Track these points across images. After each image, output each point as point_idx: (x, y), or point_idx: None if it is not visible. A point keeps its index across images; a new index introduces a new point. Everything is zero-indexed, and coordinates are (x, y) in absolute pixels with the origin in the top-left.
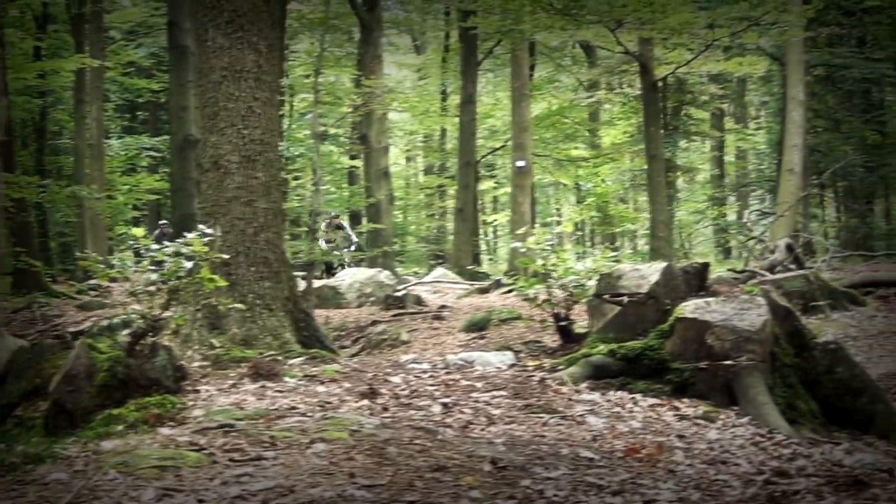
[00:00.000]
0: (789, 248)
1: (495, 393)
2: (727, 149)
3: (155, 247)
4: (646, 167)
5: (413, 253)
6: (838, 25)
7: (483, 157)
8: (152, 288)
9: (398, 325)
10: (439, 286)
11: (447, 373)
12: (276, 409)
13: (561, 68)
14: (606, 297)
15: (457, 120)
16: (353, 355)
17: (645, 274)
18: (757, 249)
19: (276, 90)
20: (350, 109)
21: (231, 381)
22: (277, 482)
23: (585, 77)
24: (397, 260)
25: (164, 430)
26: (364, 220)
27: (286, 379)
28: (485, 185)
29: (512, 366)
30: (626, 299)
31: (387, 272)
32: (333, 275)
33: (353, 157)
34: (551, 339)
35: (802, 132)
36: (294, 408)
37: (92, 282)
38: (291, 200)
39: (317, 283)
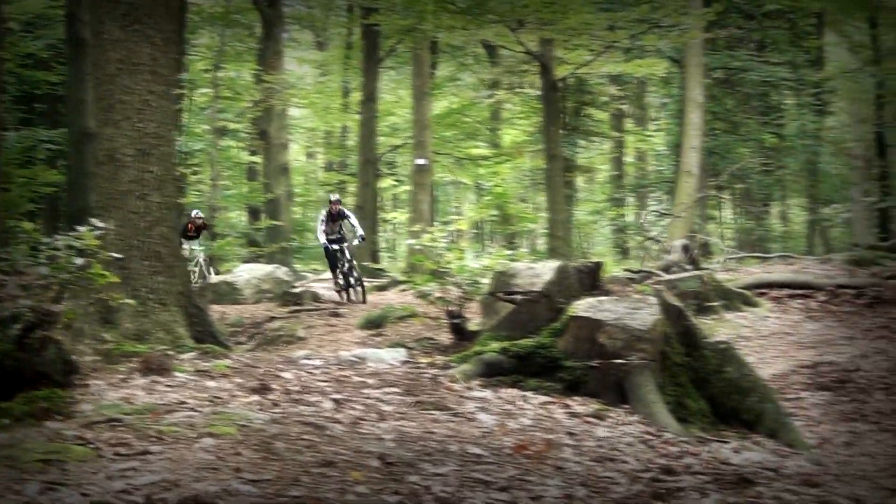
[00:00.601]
0: (685, 248)
1: (387, 389)
2: (626, 149)
3: (46, 240)
4: (545, 167)
5: (312, 250)
6: (738, 28)
7: (384, 154)
8: (44, 282)
9: (295, 322)
10: None
11: (339, 369)
12: (165, 404)
13: (463, 67)
14: (500, 295)
15: (358, 117)
16: (249, 351)
17: (539, 272)
18: (653, 250)
19: (173, 84)
20: (250, 105)
21: (121, 376)
22: (163, 476)
23: (487, 76)
24: (296, 256)
25: (52, 424)
26: (263, 217)
27: (177, 374)
28: (385, 182)
29: (405, 362)
30: (519, 297)
31: (285, 269)
32: (348, 280)
33: (252, 153)
34: (445, 337)
35: (701, 134)
36: (183, 402)
37: None
38: (190, 195)
39: (215, 279)
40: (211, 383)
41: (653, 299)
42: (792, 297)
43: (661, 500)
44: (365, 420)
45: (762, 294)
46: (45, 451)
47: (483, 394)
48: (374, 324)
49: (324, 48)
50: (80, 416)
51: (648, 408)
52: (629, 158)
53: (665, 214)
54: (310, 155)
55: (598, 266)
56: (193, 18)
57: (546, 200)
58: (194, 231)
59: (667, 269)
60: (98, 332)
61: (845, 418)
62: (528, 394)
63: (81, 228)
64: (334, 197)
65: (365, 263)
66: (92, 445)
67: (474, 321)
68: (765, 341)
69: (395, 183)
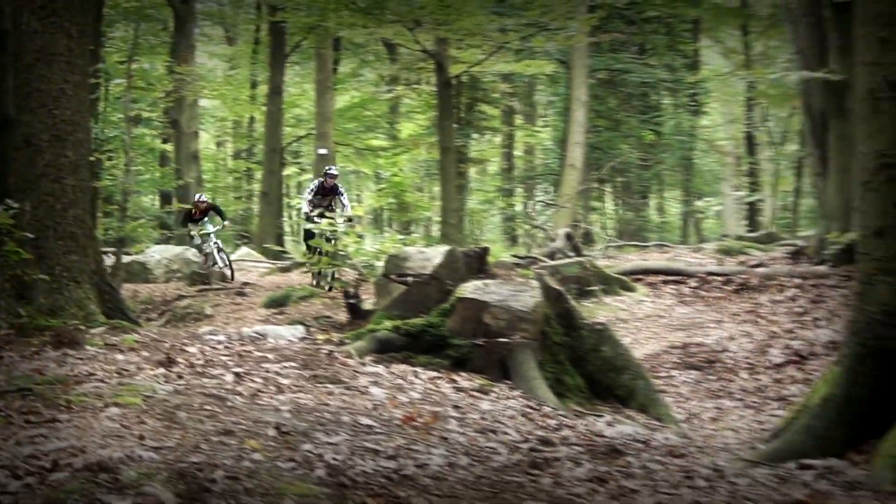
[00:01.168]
0: (568, 236)
1: (285, 364)
2: (516, 143)
3: None
4: (440, 158)
5: (220, 233)
6: (620, 33)
7: (288, 144)
8: None
9: (203, 300)
10: (244, 264)
11: (242, 344)
12: (74, 375)
13: (364, 63)
14: (393, 277)
15: (265, 108)
16: (159, 327)
17: (429, 256)
18: (539, 237)
19: (89, 74)
20: (163, 95)
21: (34, 349)
22: (70, 443)
23: (386, 72)
24: None
25: None
26: (174, 201)
27: (87, 347)
28: (289, 170)
29: (303, 339)
30: (411, 280)
31: (193, 250)
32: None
33: (165, 141)
34: (343, 316)
35: (584, 130)
36: (92, 374)
37: None
38: (105, 179)
39: (126, 259)
40: (119, 356)
41: (535, 283)
42: (666, 282)
43: (538, 469)
44: (263, 392)
45: (638, 280)
46: None
47: (376, 369)
48: (277, 303)
49: (233, 43)
50: None
51: (529, 383)
52: (518, 152)
53: (551, 204)
54: (219, 143)
55: (484, 251)
56: (110, 13)
57: (440, 190)
58: (200, 214)
59: (551, 256)
60: (13, 307)
61: (712, 395)
62: (418, 369)
63: None
64: (334, 170)
65: (267, 246)
66: (3, 413)
67: (369, 301)
68: (640, 323)
69: (299, 171)
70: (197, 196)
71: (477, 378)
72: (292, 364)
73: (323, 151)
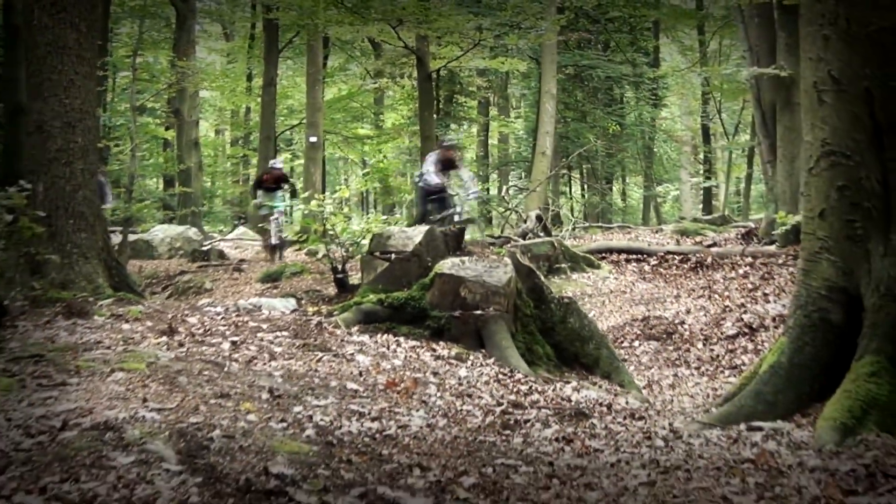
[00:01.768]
0: (539, 218)
1: (278, 333)
2: (491, 133)
3: None
4: (421, 146)
5: (219, 214)
6: (586, 32)
7: (281, 132)
8: None
9: (203, 276)
10: (240, 243)
11: (238, 315)
12: (83, 343)
13: (351, 58)
14: (377, 254)
15: (260, 99)
16: (162, 300)
17: (411, 235)
18: (512, 219)
19: (95, 65)
20: (165, 86)
21: (46, 319)
22: (78, 405)
23: (371, 67)
24: (204, 220)
25: None
26: (176, 184)
27: (96, 317)
28: (282, 156)
29: (294, 311)
30: (393, 257)
31: (195, 229)
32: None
33: (167, 129)
34: (331, 290)
35: (554, 121)
36: (100, 342)
37: None
38: (112, 164)
39: (132, 237)
40: (125, 326)
41: (507, 260)
42: (628, 261)
43: (510, 430)
44: (258, 359)
45: (603, 258)
46: None
47: (361, 338)
48: (272, 278)
49: (230, 39)
50: (8, 352)
51: (502, 352)
52: (493, 140)
53: (523, 189)
54: (218, 131)
55: (461, 231)
56: (116, 10)
57: None
58: (273, 182)
59: (523, 236)
60: (27, 281)
61: (670, 364)
62: (400, 339)
63: (12, 189)
64: (450, 139)
65: (262, 225)
66: (17, 377)
67: (355, 276)
68: (604, 298)
69: (292, 157)
70: (271, 162)
71: (454, 347)
72: (285, 333)
73: (313, 139)
